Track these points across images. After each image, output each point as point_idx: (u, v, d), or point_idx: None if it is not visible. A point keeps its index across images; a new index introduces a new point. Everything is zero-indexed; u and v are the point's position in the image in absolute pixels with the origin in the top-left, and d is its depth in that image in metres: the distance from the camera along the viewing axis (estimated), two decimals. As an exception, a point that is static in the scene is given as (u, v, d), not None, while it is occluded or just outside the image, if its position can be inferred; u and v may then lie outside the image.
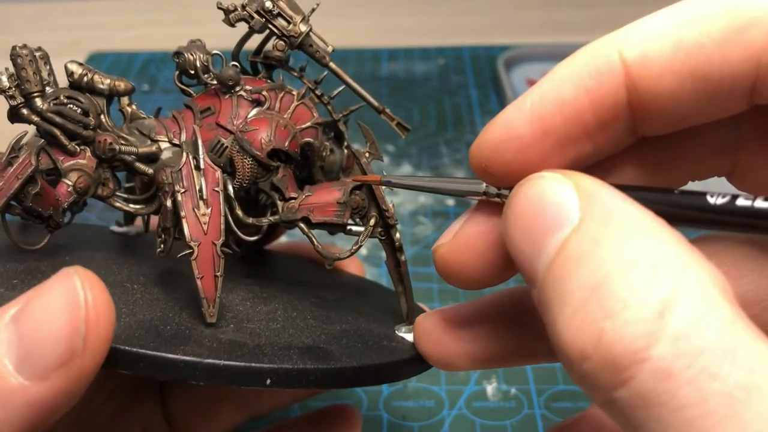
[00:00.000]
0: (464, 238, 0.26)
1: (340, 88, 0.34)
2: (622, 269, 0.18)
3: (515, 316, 0.28)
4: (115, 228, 0.38)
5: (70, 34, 0.94)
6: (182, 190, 0.29)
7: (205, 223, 0.28)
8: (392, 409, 0.48)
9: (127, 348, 0.25)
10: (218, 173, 0.29)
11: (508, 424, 0.46)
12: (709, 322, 0.17)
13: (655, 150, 0.25)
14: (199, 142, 0.30)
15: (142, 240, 0.37)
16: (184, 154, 0.29)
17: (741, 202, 0.20)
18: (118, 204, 0.32)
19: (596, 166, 0.24)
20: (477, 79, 0.83)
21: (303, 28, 0.32)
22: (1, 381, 0.22)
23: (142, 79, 0.84)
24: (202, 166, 0.29)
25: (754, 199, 0.20)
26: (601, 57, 0.22)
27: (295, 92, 0.33)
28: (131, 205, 0.32)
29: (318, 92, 0.34)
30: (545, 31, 0.93)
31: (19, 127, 0.30)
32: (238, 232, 0.31)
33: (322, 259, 0.33)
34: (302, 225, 0.31)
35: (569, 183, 0.21)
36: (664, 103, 0.22)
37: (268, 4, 0.32)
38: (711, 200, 0.21)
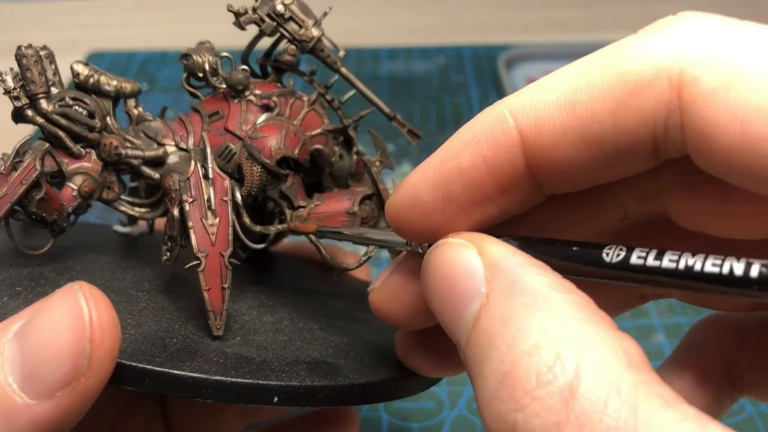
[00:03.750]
0: (390, 288, 0.27)
1: (351, 93, 0.34)
2: (526, 357, 0.18)
3: None
4: (119, 228, 0.38)
5: (69, 34, 0.94)
6: (190, 200, 0.28)
7: (213, 234, 0.28)
8: (392, 410, 0.47)
9: (132, 363, 0.25)
10: (227, 182, 0.29)
11: (509, 425, 0.46)
12: (611, 401, 0.17)
13: (571, 203, 0.25)
14: (208, 150, 0.29)
15: (146, 241, 0.37)
16: (193, 163, 0.29)
17: (634, 260, 0.20)
18: (123, 208, 0.31)
19: (510, 221, 0.24)
20: (477, 79, 0.83)
21: (315, 32, 0.32)
22: (6, 400, 0.22)
23: (141, 79, 0.83)
24: (210, 176, 0.29)
25: (646, 257, 0.20)
26: (497, 124, 0.22)
27: (305, 98, 0.33)
28: (136, 209, 0.32)
29: (328, 97, 0.34)
30: (546, 30, 0.93)
31: (23, 129, 0.30)
32: (245, 240, 0.31)
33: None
34: (311, 234, 0.31)
35: (473, 251, 0.22)
36: (563, 168, 0.22)
37: (280, 8, 0.31)
38: (606, 257, 0.21)
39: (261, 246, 0.32)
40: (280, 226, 0.32)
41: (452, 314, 0.21)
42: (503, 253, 0.21)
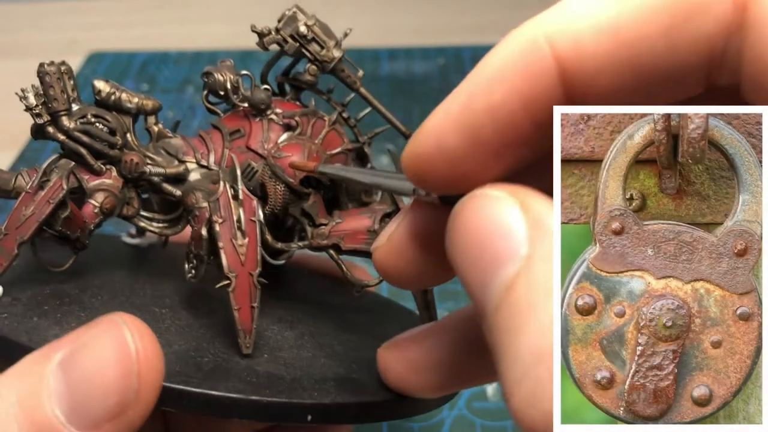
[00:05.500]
0: (397, 243, 0.25)
1: (367, 111, 0.34)
2: None
3: (473, 338, 0.26)
4: (128, 239, 0.38)
5: (69, 34, 0.94)
6: (220, 221, 0.28)
7: (242, 254, 0.28)
8: (392, 410, 0.47)
9: (172, 386, 0.25)
10: (254, 202, 0.29)
11: (509, 424, 0.46)
12: None
13: None
14: (238, 171, 0.30)
15: (156, 253, 0.37)
16: (222, 183, 0.29)
17: None
18: (142, 224, 0.32)
19: (540, 163, 0.22)
20: (477, 79, 0.83)
21: (337, 54, 0.33)
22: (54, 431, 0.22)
23: (141, 79, 0.83)
24: (240, 197, 0.29)
25: None
26: (531, 53, 0.20)
27: (327, 118, 0.33)
28: (155, 225, 0.32)
29: (345, 115, 0.34)
30: (545, 31, 0.93)
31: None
32: (267, 258, 0.31)
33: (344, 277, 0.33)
34: (331, 251, 0.32)
35: (516, 206, 0.19)
36: (603, 98, 0.20)
37: (303, 29, 0.32)
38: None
39: (281, 262, 0.33)
40: (301, 243, 0.33)
41: (481, 276, 0.19)
42: (549, 211, 0.19)
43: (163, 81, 0.83)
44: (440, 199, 0.23)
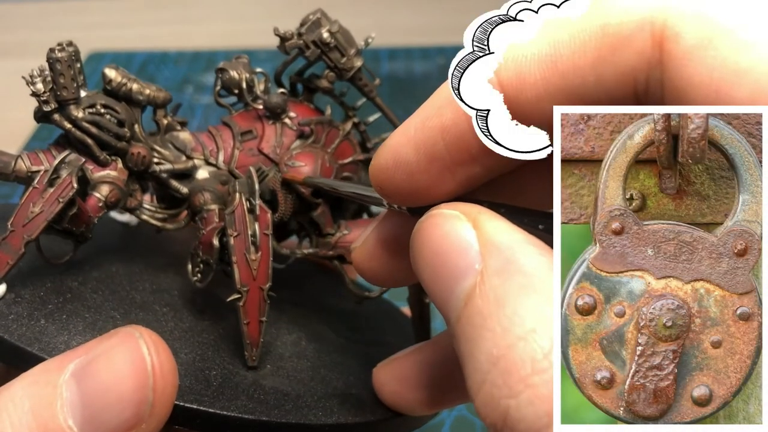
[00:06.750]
0: (370, 245, 0.27)
1: (376, 116, 0.35)
2: (521, 342, 0.18)
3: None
4: (117, 216, 0.37)
5: (68, 34, 0.93)
6: (235, 234, 0.28)
7: (255, 269, 0.28)
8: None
9: (186, 405, 0.25)
10: (269, 215, 0.29)
11: (509, 425, 0.46)
12: None
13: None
14: (256, 186, 0.30)
15: (148, 235, 0.37)
16: (237, 195, 0.29)
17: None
18: (144, 217, 0.31)
19: (497, 182, 0.24)
20: (477, 79, 0.83)
21: (357, 63, 0.33)
22: None
23: (140, 79, 0.83)
24: (257, 211, 0.29)
25: None
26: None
27: (340, 127, 0.33)
28: (158, 216, 0.32)
29: (356, 120, 0.34)
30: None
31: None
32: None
33: (330, 266, 0.33)
34: (336, 261, 0.32)
35: (468, 224, 0.21)
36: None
37: (326, 36, 0.32)
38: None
39: (282, 266, 0.33)
40: (306, 251, 0.33)
41: (443, 289, 0.21)
42: (499, 228, 0.20)
43: (162, 81, 0.83)
44: (408, 210, 0.24)
